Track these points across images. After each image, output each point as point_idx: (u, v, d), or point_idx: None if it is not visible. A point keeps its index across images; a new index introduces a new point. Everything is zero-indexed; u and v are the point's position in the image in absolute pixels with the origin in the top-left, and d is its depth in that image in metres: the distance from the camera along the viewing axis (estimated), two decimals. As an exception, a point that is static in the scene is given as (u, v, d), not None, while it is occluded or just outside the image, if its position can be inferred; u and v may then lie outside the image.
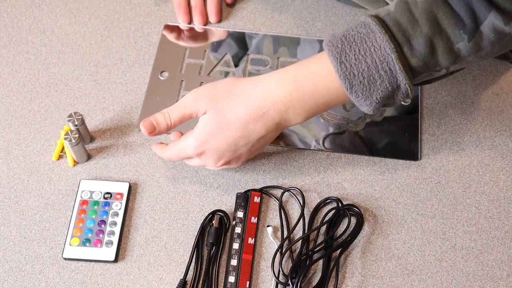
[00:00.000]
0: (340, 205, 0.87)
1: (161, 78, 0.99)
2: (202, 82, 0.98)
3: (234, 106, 0.80)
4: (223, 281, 0.82)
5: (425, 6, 0.74)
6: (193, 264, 0.83)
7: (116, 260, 0.84)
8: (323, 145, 0.93)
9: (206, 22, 1.05)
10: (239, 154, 0.83)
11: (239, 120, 0.80)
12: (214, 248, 0.84)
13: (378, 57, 0.74)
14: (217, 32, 1.04)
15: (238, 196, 0.88)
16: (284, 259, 0.84)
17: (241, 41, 1.03)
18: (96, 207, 0.87)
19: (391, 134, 0.94)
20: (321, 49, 1.01)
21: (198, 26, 1.05)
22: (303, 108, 0.80)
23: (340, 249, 0.84)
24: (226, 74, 1.00)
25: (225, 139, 0.81)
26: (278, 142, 0.93)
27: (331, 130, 0.94)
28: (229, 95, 0.81)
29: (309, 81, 0.79)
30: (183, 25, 1.05)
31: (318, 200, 0.88)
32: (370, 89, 0.76)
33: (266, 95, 0.80)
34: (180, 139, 0.85)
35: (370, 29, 0.75)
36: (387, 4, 0.94)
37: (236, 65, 1.00)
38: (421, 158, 0.92)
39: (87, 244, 0.84)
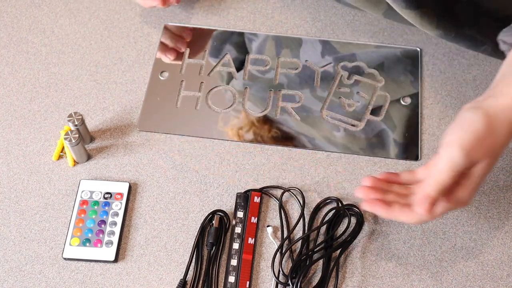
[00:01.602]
0: (340, 205, 0.87)
1: (161, 78, 0.99)
2: (202, 82, 0.98)
3: (498, 130, 0.71)
4: (223, 281, 0.82)
5: None
6: (193, 264, 0.83)
7: (116, 260, 0.84)
8: (323, 145, 0.93)
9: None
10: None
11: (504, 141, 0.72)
12: (214, 248, 0.84)
13: None
14: (218, 32, 1.04)
15: (238, 196, 0.88)
16: (284, 259, 0.84)
17: (241, 41, 1.03)
18: (96, 207, 0.87)
19: (391, 134, 0.94)
20: (323, 49, 1.01)
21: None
22: None
23: (340, 249, 0.84)
24: (226, 74, 0.99)
25: (493, 152, 0.72)
26: (288, 144, 0.93)
27: (331, 129, 0.94)
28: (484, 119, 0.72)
29: None
30: (183, 25, 1.05)
31: (318, 200, 0.88)
32: None
33: None
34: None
35: None
36: (387, 7, 0.94)
37: (236, 65, 1.00)
38: (421, 158, 0.92)
39: (87, 244, 0.84)
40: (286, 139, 0.94)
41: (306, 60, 1.00)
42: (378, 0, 0.95)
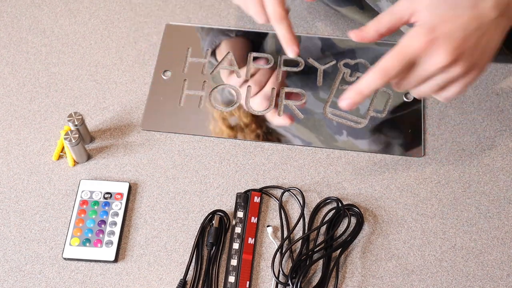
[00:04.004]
0: (340, 205, 0.87)
1: (164, 77, 0.99)
2: (205, 81, 0.98)
3: None
4: (223, 281, 0.82)
5: None
6: (193, 264, 0.83)
7: (116, 260, 0.84)
8: (326, 143, 0.93)
9: None
10: (471, 45, 0.68)
11: None
12: (214, 248, 0.84)
13: None
14: (219, 31, 1.04)
15: (238, 196, 0.88)
16: (284, 259, 0.84)
17: (243, 40, 1.03)
18: (96, 207, 0.87)
19: (395, 131, 0.94)
20: (323, 45, 1.01)
21: None
22: None
23: (340, 249, 0.84)
24: (229, 73, 0.99)
25: (457, 20, 0.68)
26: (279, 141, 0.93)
27: (334, 128, 0.94)
28: None
29: None
30: (185, 24, 1.05)
31: (318, 200, 0.88)
32: None
33: None
34: (401, 39, 0.70)
35: None
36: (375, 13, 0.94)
37: (238, 64, 1.00)
38: (425, 154, 0.92)
39: (87, 244, 0.84)
40: (290, 140, 0.94)
41: (308, 58, 1.00)
42: (374, 15, 0.96)
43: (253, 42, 1.03)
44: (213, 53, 1.02)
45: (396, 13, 0.72)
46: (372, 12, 0.94)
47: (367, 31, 0.73)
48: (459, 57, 0.69)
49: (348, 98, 0.72)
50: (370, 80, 0.71)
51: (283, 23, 0.80)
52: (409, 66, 0.70)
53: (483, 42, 0.69)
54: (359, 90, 0.72)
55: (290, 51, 0.80)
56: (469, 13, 0.68)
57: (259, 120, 0.95)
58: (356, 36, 0.73)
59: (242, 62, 1.00)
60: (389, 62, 0.70)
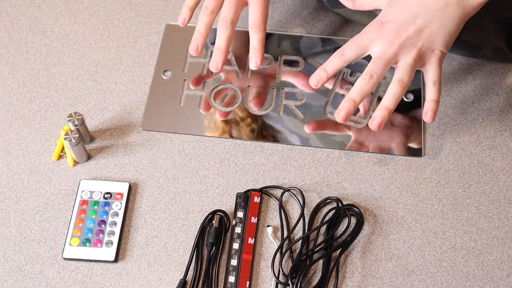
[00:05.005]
0: (340, 205, 0.87)
1: (164, 77, 0.99)
2: (205, 81, 0.98)
3: None
4: (223, 281, 0.82)
5: None
6: (193, 264, 0.83)
7: (116, 260, 0.84)
8: (325, 143, 0.93)
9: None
10: (419, 28, 0.81)
11: None
12: (214, 248, 0.84)
13: None
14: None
15: (238, 196, 0.88)
16: (284, 259, 0.84)
17: (243, 39, 1.04)
18: (96, 207, 0.87)
19: (394, 131, 0.94)
20: (323, 46, 1.01)
21: None
22: None
23: (340, 249, 0.84)
24: (229, 73, 0.99)
25: (403, 8, 0.81)
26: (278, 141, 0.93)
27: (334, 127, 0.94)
28: None
29: None
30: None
31: (318, 200, 0.88)
32: None
33: None
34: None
35: None
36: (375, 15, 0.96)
37: (238, 64, 1.00)
38: (425, 154, 0.92)
39: (87, 244, 0.84)
40: (287, 139, 0.94)
41: (308, 58, 1.00)
42: (374, 15, 0.96)
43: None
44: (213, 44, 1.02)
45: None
46: (371, 12, 0.94)
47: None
48: (407, 40, 0.81)
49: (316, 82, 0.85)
50: (332, 62, 0.84)
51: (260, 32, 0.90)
52: (364, 52, 0.84)
53: (432, 27, 0.81)
54: (324, 69, 0.85)
55: (253, 63, 0.90)
56: (416, 2, 0.81)
57: (254, 115, 0.95)
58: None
59: (240, 55, 1.00)
60: (347, 46, 0.84)
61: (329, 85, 0.97)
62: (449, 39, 0.82)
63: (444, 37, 0.82)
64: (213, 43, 1.02)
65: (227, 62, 1.00)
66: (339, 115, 0.83)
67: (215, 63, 0.90)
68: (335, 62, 0.84)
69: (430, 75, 0.83)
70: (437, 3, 0.81)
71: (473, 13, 0.83)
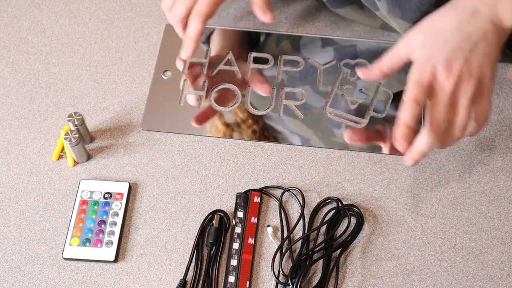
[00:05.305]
0: (340, 205, 0.87)
1: (164, 77, 0.99)
2: (205, 81, 0.98)
3: (441, 16, 0.79)
4: (223, 281, 0.82)
5: None
6: (193, 264, 0.83)
7: (116, 260, 0.84)
8: (326, 143, 0.93)
9: None
10: (469, 63, 0.77)
11: (452, 24, 0.78)
12: (214, 248, 0.84)
13: None
14: (218, 31, 1.04)
15: (238, 196, 0.88)
16: (284, 259, 0.84)
17: (243, 39, 1.04)
18: (96, 207, 0.87)
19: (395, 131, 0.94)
20: (323, 42, 1.01)
21: None
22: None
23: (340, 249, 0.84)
24: (229, 73, 0.99)
25: (448, 45, 0.77)
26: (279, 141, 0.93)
27: (334, 127, 0.94)
28: (435, 12, 0.80)
29: None
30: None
31: (318, 200, 0.88)
32: None
33: None
34: (409, 76, 0.79)
35: None
36: (383, 21, 0.95)
37: (238, 64, 1.00)
38: None
39: (87, 244, 0.84)
40: (288, 139, 0.94)
41: (308, 58, 1.00)
42: (374, 15, 0.96)
43: (252, 41, 1.03)
44: (208, 39, 1.02)
45: (395, 54, 0.82)
46: (372, 12, 0.94)
47: (372, 70, 0.84)
48: (461, 75, 0.76)
49: (410, 158, 0.80)
50: (407, 112, 0.78)
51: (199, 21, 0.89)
52: (429, 94, 0.77)
53: (479, 58, 0.77)
54: (402, 122, 0.78)
55: (184, 52, 0.90)
56: (457, 37, 0.77)
57: (256, 119, 0.95)
58: (363, 74, 0.85)
59: (240, 55, 1.01)
60: (413, 92, 0.77)
61: (328, 86, 0.97)
62: (495, 67, 0.80)
63: (490, 65, 0.78)
64: (204, 42, 1.02)
65: (227, 62, 1.00)
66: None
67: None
68: (414, 111, 0.78)
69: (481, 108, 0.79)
70: (477, 32, 0.77)
71: (507, 36, 0.80)
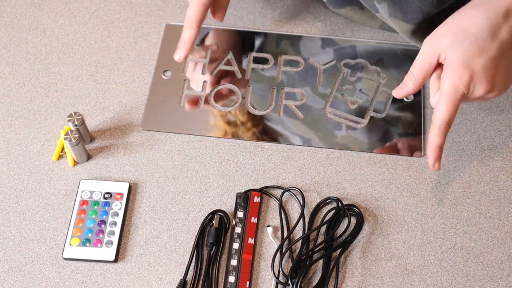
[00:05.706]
0: (340, 205, 0.87)
1: (164, 77, 0.99)
2: (205, 81, 0.98)
3: (469, 15, 0.74)
4: (223, 281, 0.82)
5: None
6: (193, 264, 0.83)
7: (116, 260, 0.84)
8: (326, 143, 0.93)
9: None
10: (502, 71, 0.75)
11: (484, 27, 0.73)
12: (214, 248, 0.84)
13: None
14: (219, 31, 1.04)
15: (238, 196, 0.88)
16: (284, 259, 0.84)
17: (243, 39, 1.04)
18: (96, 207, 0.87)
19: (395, 131, 0.94)
20: (323, 43, 1.01)
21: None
22: None
23: (340, 249, 0.84)
24: (229, 73, 1.00)
25: (485, 53, 0.73)
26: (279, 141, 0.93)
27: (334, 128, 0.94)
28: (460, 11, 0.75)
29: None
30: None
31: (318, 200, 0.88)
32: None
33: None
34: (442, 86, 0.75)
35: None
36: (382, 21, 0.95)
37: (238, 64, 1.00)
38: (425, 154, 0.92)
39: (87, 244, 0.84)
40: (283, 138, 0.94)
41: (308, 58, 1.00)
42: (374, 15, 0.96)
43: (252, 42, 1.03)
44: (202, 41, 1.03)
45: (424, 62, 0.78)
46: (371, 12, 0.94)
47: (406, 87, 0.81)
48: (494, 84, 0.75)
49: (433, 158, 0.79)
50: (437, 135, 0.77)
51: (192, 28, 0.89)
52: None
53: (507, 62, 0.75)
54: (437, 146, 0.78)
55: (178, 54, 0.90)
56: (491, 44, 0.73)
57: (256, 119, 0.95)
58: (398, 94, 0.82)
59: (240, 55, 1.01)
60: (446, 111, 0.76)
61: (328, 86, 0.98)
62: None
63: None
64: (198, 45, 1.02)
65: (227, 62, 1.00)
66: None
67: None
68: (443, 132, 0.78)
69: None
70: (510, 37, 0.74)
71: None
